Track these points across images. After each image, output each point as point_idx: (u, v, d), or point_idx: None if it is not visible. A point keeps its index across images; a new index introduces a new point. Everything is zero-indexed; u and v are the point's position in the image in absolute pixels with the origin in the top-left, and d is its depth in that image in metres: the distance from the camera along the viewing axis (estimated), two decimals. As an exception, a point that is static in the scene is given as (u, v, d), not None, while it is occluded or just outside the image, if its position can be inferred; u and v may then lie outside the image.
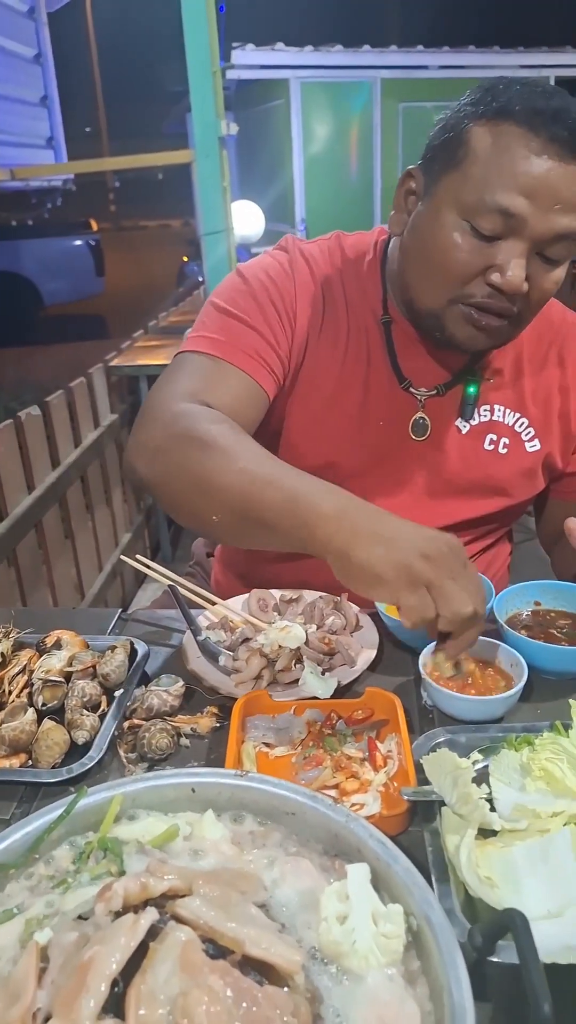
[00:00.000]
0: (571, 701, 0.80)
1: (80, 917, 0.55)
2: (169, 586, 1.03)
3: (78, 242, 9.06)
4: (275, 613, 1.04)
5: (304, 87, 7.81)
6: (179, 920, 0.52)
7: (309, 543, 0.78)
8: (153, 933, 0.51)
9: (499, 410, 1.14)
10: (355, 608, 1.02)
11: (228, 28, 6.41)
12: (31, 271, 8.67)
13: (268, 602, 1.05)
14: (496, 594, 0.99)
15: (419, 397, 1.12)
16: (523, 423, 1.15)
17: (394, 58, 8.16)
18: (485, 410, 1.14)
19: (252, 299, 1.07)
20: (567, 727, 0.77)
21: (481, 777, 0.73)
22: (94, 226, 9.59)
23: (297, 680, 0.90)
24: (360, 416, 1.11)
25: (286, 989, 0.51)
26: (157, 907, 0.53)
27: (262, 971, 0.51)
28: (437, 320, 1.01)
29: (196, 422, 0.93)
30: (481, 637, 0.92)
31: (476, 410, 1.13)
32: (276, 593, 1.07)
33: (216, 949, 0.51)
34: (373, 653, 0.95)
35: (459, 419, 1.13)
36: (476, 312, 0.97)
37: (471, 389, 1.11)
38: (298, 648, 0.93)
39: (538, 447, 1.16)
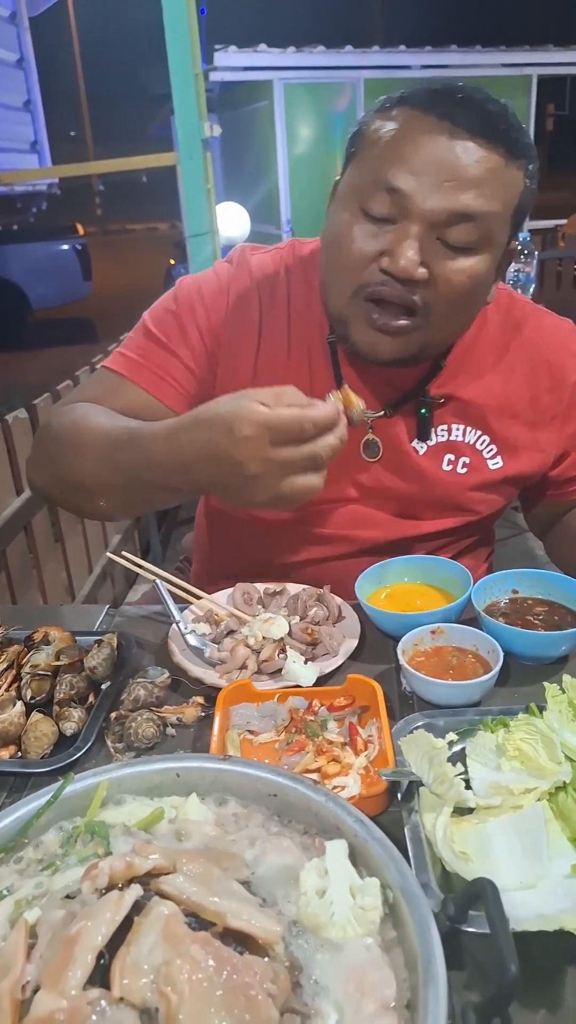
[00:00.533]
0: (546, 684, 0.83)
1: (68, 897, 0.57)
2: (154, 581, 1.05)
3: (65, 246, 9.06)
4: (259, 606, 1.06)
5: (287, 88, 7.85)
6: (163, 896, 0.54)
7: (185, 485, 0.85)
8: (137, 908, 0.53)
9: (457, 429, 1.11)
10: (338, 600, 1.04)
11: (211, 30, 6.44)
12: (18, 276, 8.67)
13: (252, 595, 1.07)
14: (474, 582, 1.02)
15: (368, 418, 1.08)
16: (484, 440, 1.12)
17: (377, 58, 8.21)
18: (443, 430, 1.11)
19: (176, 320, 1.10)
20: (542, 709, 0.80)
21: (459, 759, 0.75)
22: (80, 230, 9.59)
23: (280, 669, 0.92)
24: None
25: (267, 959, 0.53)
26: (142, 884, 0.55)
27: (243, 942, 0.53)
28: (344, 325, 0.98)
29: (51, 424, 1.01)
30: (460, 625, 0.95)
31: (433, 430, 1.11)
32: (260, 586, 1.09)
33: (199, 922, 0.53)
34: (355, 642, 0.98)
35: (416, 440, 1.11)
36: (376, 312, 0.93)
37: (423, 411, 1.09)
38: (282, 639, 0.95)
39: (500, 464, 1.13)
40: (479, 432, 1.12)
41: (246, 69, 7.79)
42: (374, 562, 1.09)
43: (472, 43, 8.48)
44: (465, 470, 1.13)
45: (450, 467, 1.12)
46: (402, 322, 0.93)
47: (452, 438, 1.12)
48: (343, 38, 8.42)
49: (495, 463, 1.13)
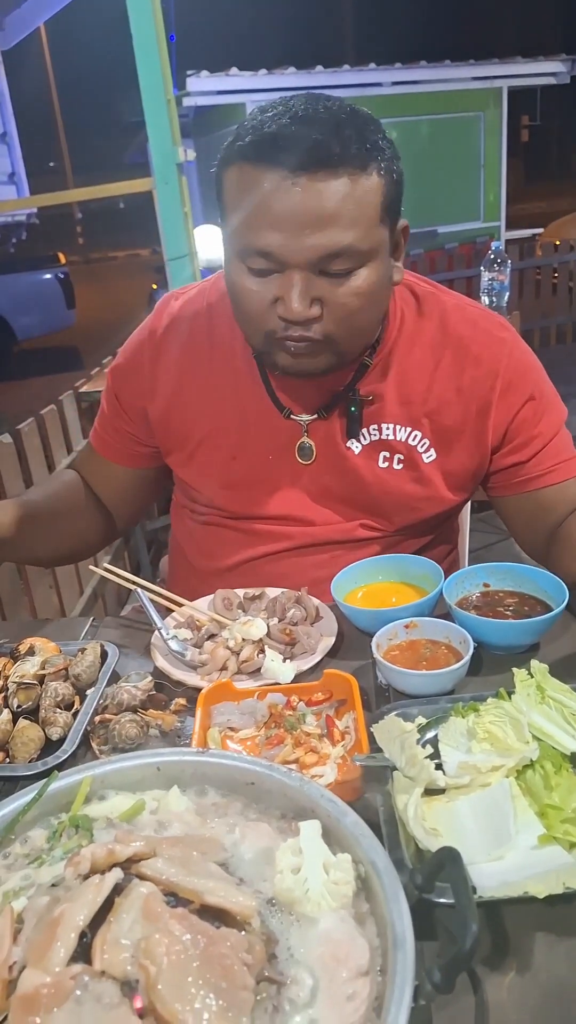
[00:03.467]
0: (515, 670, 0.86)
1: (53, 886, 0.60)
2: (134, 590, 1.08)
3: (47, 276, 9.13)
4: (239, 610, 1.09)
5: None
6: (142, 878, 0.57)
7: None
8: (118, 890, 0.56)
9: (388, 428, 1.14)
10: (315, 601, 1.08)
11: (182, 56, 6.56)
12: (2, 307, 8.72)
13: (232, 600, 1.10)
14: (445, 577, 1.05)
15: (301, 423, 1.14)
16: (416, 436, 1.14)
17: (347, 77, 8.34)
18: (374, 429, 1.14)
19: (110, 390, 1.26)
20: (510, 693, 0.83)
21: (432, 745, 0.78)
22: (62, 259, 9.67)
23: (260, 669, 0.95)
24: (242, 451, 1.16)
25: (243, 932, 0.55)
26: (123, 869, 0.58)
27: (221, 919, 0.56)
28: (267, 355, 1.04)
29: None
30: (433, 618, 0.99)
31: (366, 430, 1.14)
32: (240, 592, 1.12)
33: (177, 900, 0.56)
34: (332, 640, 1.01)
35: (350, 440, 1.14)
36: (290, 343, 0.98)
37: (352, 409, 1.12)
38: (261, 639, 0.98)
39: (434, 457, 1.15)
40: (410, 428, 1.14)
41: (219, 93, 7.92)
42: (324, 560, 1.15)
43: (441, 58, 8.62)
44: (401, 466, 1.15)
45: (386, 464, 1.15)
46: (303, 345, 0.98)
47: (384, 436, 1.14)
48: (313, 59, 8.57)
49: (429, 456, 1.15)
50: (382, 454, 1.15)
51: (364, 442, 1.15)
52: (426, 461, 1.15)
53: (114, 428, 1.27)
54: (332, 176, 0.89)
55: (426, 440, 1.14)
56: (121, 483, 1.32)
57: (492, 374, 1.12)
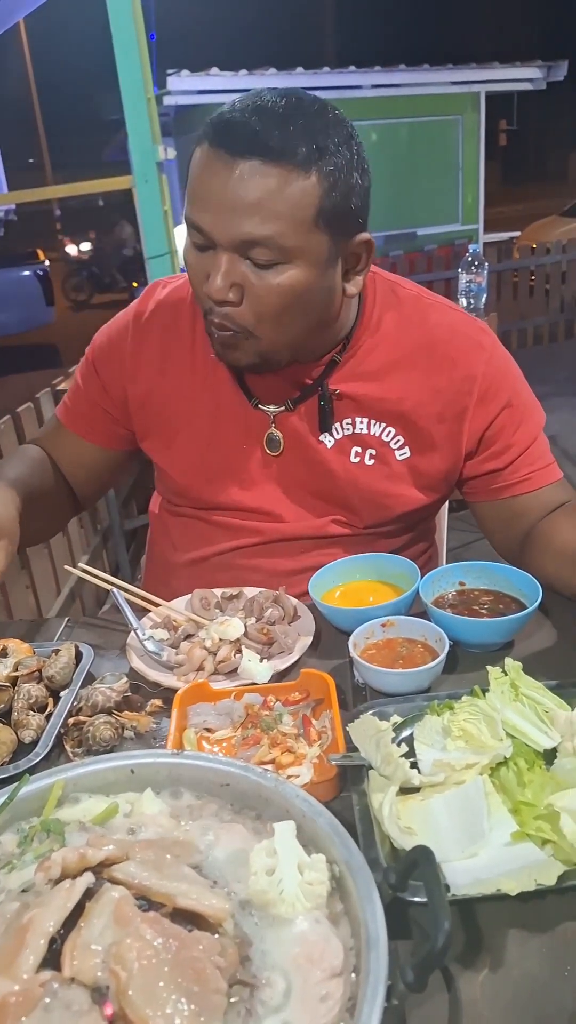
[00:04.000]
0: (489, 667, 0.86)
1: (23, 892, 0.59)
2: (110, 590, 1.06)
3: (26, 272, 9.06)
4: (217, 610, 1.08)
5: (241, 111, 7.94)
6: (114, 882, 0.56)
7: None
8: (89, 895, 0.55)
9: (362, 423, 1.14)
10: (293, 600, 1.07)
11: (163, 56, 6.52)
12: (-21, 304, 8.65)
13: (210, 600, 1.09)
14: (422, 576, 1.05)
15: (269, 414, 1.15)
16: (390, 432, 1.14)
17: (327, 79, 8.36)
18: (348, 423, 1.14)
19: (90, 367, 1.25)
20: (485, 691, 0.83)
21: (408, 743, 0.78)
22: (42, 256, 9.60)
23: (237, 669, 0.95)
24: (214, 439, 1.18)
25: (216, 935, 0.55)
26: (94, 873, 0.57)
27: (194, 922, 0.55)
28: (209, 338, 1.05)
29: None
30: (409, 617, 0.99)
31: (339, 424, 1.14)
32: (217, 591, 1.11)
33: (149, 904, 0.55)
34: (309, 639, 1.00)
35: (322, 434, 1.14)
36: (213, 326, 1.00)
37: (322, 403, 1.12)
38: (238, 639, 0.98)
39: (408, 455, 1.15)
40: (384, 424, 1.14)
41: (199, 92, 7.89)
42: (296, 555, 1.17)
43: (420, 62, 8.67)
44: (372, 461, 1.15)
45: (358, 459, 1.15)
46: (227, 334, 1.00)
47: (357, 431, 1.14)
48: (294, 61, 8.58)
49: (402, 454, 1.15)
50: (354, 449, 1.15)
51: (337, 436, 1.15)
52: (399, 458, 1.15)
53: (89, 403, 1.26)
54: (266, 167, 0.91)
55: (400, 437, 1.15)
56: (88, 460, 1.29)
57: (470, 379, 1.12)
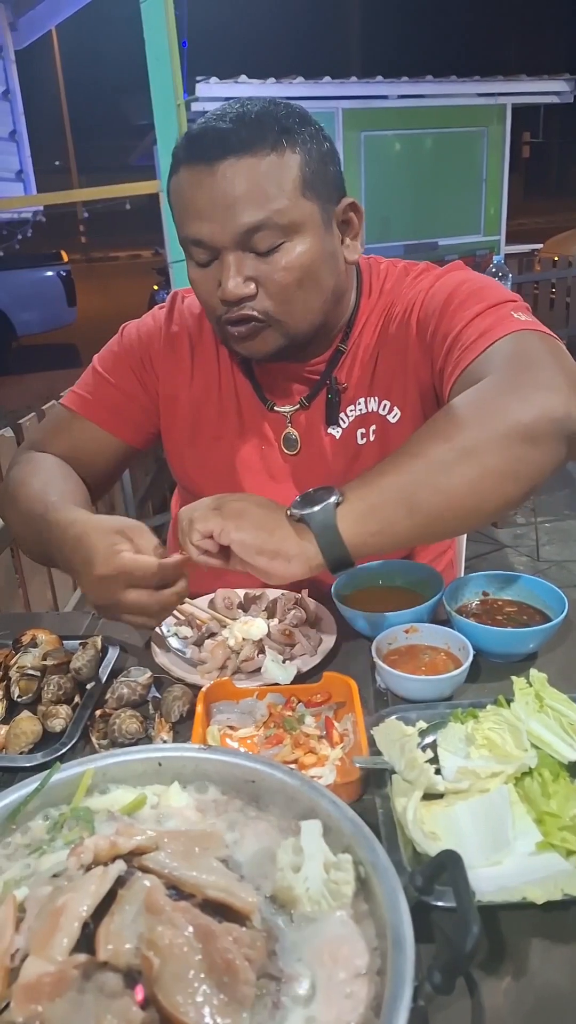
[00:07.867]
0: (514, 678, 0.86)
1: (55, 876, 0.60)
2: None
3: (49, 273, 9.14)
4: (239, 610, 1.09)
5: (268, 118, 7.99)
6: (145, 871, 0.57)
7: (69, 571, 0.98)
8: (120, 883, 0.56)
9: (361, 403, 1.17)
10: (314, 603, 1.08)
11: (192, 62, 6.60)
12: (3, 302, 8.72)
13: (233, 600, 1.10)
14: (445, 584, 1.06)
15: (284, 414, 1.19)
16: (386, 405, 1.16)
17: (354, 88, 8.39)
18: (351, 409, 1.18)
19: (120, 360, 1.25)
20: (509, 701, 0.83)
21: (431, 749, 0.78)
22: (65, 257, 9.68)
23: (259, 669, 0.96)
24: (240, 444, 1.21)
25: (244, 928, 0.55)
26: (125, 862, 0.58)
27: (222, 913, 0.56)
28: (226, 344, 1.10)
29: (10, 469, 1.21)
30: (433, 625, 0.99)
31: (343, 413, 1.17)
32: (240, 591, 1.12)
33: (179, 894, 0.56)
34: (332, 643, 1.01)
35: (331, 427, 1.18)
36: (231, 326, 1.03)
37: (330, 396, 1.16)
38: (261, 640, 0.99)
39: (399, 416, 1.16)
40: (376, 397, 1.17)
41: (228, 99, 7.93)
42: None
43: (448, 73, 8.67)
44: (374, 436, 1.18)
45: (364, 440, 1.18)
46: (248, 326, 1.03)
47: (359, 412, 1.18)
48: (322, 69, 8.62)
49: (393, 416, 1.16)
50: (359, 431, 1.18)
51: (344, 425, 1.18)
52: (392, 422, 1.17)
53: (124, 395, 1.24)
54: (240, 160, 0.95)
55: (387, 401, 1.17)
56: (108, 452, 1.27)
57: (409, 309, 1.12)
